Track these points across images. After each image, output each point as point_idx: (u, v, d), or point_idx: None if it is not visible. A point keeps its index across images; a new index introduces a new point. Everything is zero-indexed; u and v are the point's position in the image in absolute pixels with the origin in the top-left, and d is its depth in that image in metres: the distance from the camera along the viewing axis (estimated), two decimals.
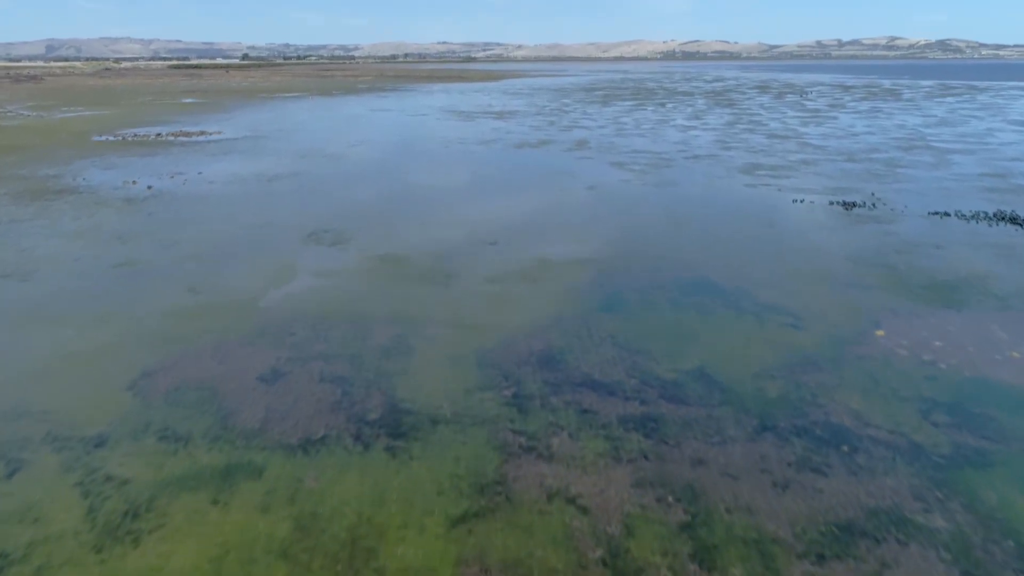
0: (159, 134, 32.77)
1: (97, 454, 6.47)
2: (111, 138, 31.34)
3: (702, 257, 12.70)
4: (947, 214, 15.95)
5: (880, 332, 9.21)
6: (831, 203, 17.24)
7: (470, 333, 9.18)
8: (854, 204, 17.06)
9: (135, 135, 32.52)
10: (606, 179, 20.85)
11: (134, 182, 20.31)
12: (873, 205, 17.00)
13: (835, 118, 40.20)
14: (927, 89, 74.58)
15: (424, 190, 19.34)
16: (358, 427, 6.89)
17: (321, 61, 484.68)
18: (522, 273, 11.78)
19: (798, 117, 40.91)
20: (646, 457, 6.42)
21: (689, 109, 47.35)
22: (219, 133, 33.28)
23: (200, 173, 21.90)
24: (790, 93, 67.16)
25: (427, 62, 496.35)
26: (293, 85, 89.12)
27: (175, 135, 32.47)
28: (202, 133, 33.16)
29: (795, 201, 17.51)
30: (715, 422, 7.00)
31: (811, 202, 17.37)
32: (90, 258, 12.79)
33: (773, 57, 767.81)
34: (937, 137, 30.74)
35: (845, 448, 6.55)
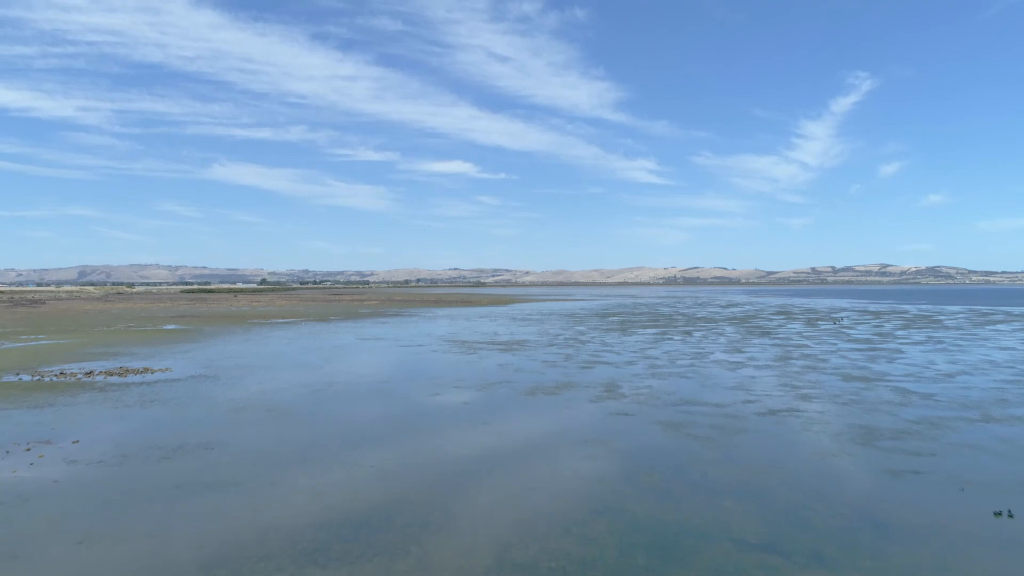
0: (92, 371, 26.76)
1: None
2: (26, 377, 25.26)
3: None
4: None
5: None
6: None
7: None
8: None
9: (62, 372, 26.53)
10: (664, 458, 14.00)
11: None
12: None
13: (900, 351, 34.17)
14: (961, 315, 70.04)
15: (378, 492, 12.42)
16: None
17: (336, 286, 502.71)
18: None
19: (855, 349, 34.96)
20: None
21: (722, 339, 41.73)
22: (165, 371, 27.25)
23: (76, 442, 15.28)
24: (818, 319, 62.42)
25: (438, 286, 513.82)
26: (294, 310, 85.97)
27: (110, 372, 26.45)
28: (144, 371, 27.13)
29: (998, 515, 10.50)
30: None
31: None
32: None
33: (771, 282, 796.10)
34: None
35: None
